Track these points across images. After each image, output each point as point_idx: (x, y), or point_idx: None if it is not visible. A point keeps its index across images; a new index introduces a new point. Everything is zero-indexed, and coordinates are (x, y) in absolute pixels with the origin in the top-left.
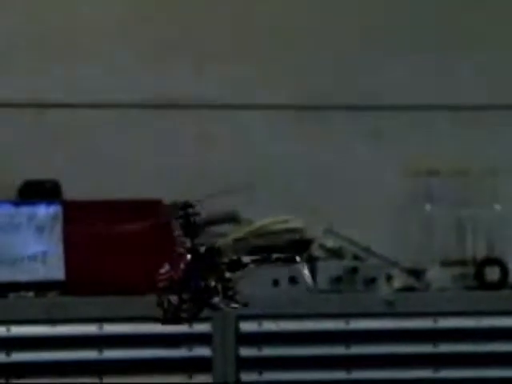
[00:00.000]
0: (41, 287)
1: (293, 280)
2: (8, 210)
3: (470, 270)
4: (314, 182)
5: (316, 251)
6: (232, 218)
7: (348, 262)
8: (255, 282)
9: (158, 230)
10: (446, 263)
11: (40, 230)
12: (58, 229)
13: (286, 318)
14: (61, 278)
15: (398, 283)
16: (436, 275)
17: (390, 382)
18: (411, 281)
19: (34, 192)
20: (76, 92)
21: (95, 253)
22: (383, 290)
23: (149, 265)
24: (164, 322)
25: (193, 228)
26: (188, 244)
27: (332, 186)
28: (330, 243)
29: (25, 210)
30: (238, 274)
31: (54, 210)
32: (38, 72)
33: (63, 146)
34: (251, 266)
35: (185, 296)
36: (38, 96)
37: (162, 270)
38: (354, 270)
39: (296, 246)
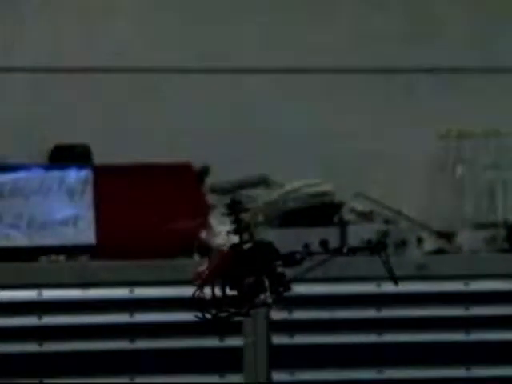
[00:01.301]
0: (71, 251)
1: (323, 243)
2: (39, 174)
3: (501, 232)
4: (344, 146)
5: (347, 215)
6: (263, 182)
7: (379, 226)
8: (285, 245)
9: (189, 193)
10: (477, 226)
11: (71, 194)
12: (89, 193)
13: (317, 281)
14: (91, 242)
15: (428, 246)
16: (467, 238)
17: (421, 344)
18: (442, 243)
19: (65, 156)
20: (104, 56)
21: (125, 217)
22: (414, 253)
23: (179, 228)
24: (205, 320)
25: (241, 224)
26: (233, 240)
27: (362, 150)
28: (361, 207)
29: (55, 174)
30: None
31: (85, 174)
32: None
33: (93, 111)
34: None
35: (230, 293)
36: (66, 60)
37: (201, 268)
38: (385, 234)
39: (326, 210)
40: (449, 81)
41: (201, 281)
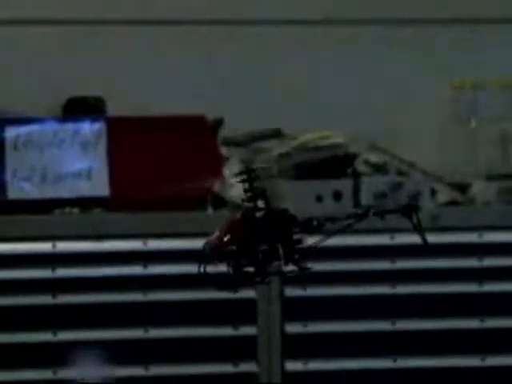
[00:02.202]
0: (86, 204)
1: (337, 195)
2: (52, 126)
3: None
4: (358, 96)
5: (360, 167)
6: (276, 134)
7: (392, 178)
8: (298, 197)
9: (202, 146)
10: (490, 177)
11: (84, 146)
12: (103, 145)
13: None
14: (105, 195)
15: (442, 198)
16: (481, 189)
17: (435, 296)
18: (456, 195)
19: (78, 109)
20: (115, 8)
21: (139, 169)
22: (427, 204)
23: (193, 181)
24: (218, 287)
25: (255, 192)
26: (246, 208)
27: (375, 101)
28: (374, 158)
29: (69, 126)
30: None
31: (98, 126)
32: None
33: (107, 62)
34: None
35: (243, 261)
36: (78, 12)
37: (212, 237)
38: (399, 185)
39: (340, 162)
40: (464, 31)
41: (210, 250)
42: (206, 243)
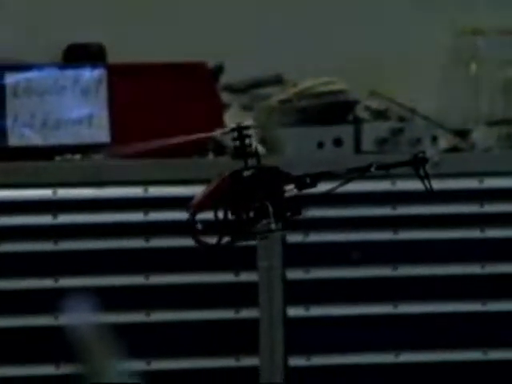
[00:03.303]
0: (86, 150)
1: (338, 142)
2: (53, 73)
3: None
4: (359, 42)
5: (361, 113)
6: (277, 80)
7: (393, 124)
8: (299, 144)
9: (203, 92)
10: (491, 123)
11: (85, 93)
12: (103, 92)
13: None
14: (106, 141)
15: (443, 144)
16: (482, 135)
17: (436, 241)
18: (457, 141)
19: (79, 55)
20: None
21: (140, 115)
22: (428, 150)
23: (193, 127)
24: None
25: (246, 150)
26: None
27: (376, 48)
28: (375, 104)
29: (69, 73)
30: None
31: (99, 72)
32: None
33: (107, 9)
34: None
35: (231, 217)
36: None
37: (197, 195)
38: (400, 131)
39: (341, 108)
40: None
41: (193, 208)
42: (191, 203)
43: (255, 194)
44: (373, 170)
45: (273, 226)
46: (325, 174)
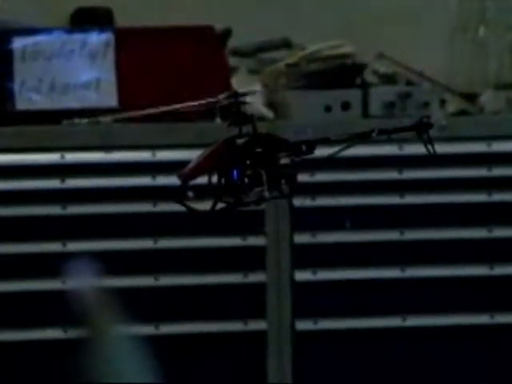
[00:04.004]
0: (94, 114)
1: (345, 105)
2: (60, 37)
3: None
4: (366, 5)
5: (369, 77)
6: (284, 44)
7: (401, 87)
8: (306, 108)
9: (211, 56)
10: (499, 86)
11: (92, 56)
12: (111, 56)
13: (338, 142)
14: (114, 105)
15: (451, 107)
16: (490, 99)
17: (443, 205)
18: (464, 105)
19: (86, 19)
20: None
21: (147, 79)
22: (436, 114)
23: (201, 92)
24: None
25: (241, 116)
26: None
27: (383, 11)
28: (383, 68)
29: (77, 37)
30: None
31: (107, 36)
32: None
33: None
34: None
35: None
36: None
37: (190, 164)
38: (407, 95)
39: (349, 72)
40: None
41: (184, 175)
42: (182, 170)
43: (249, 162)
44: (374, 135)
45: (266, 193)
46: (323, 140)
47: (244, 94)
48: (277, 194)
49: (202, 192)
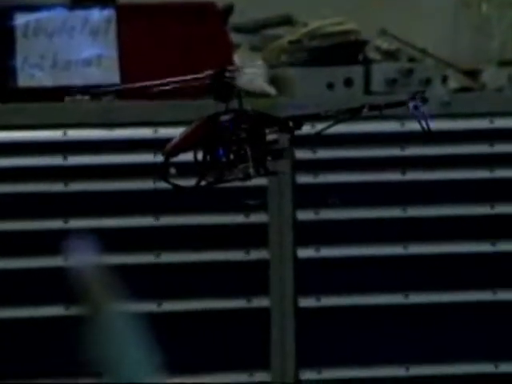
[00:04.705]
0: (96, 91)
1: (348, 82)
2: (61, 14)
3: None
4: None
5: (371, 53)
6: (286, 21)
7: (403, 64)
8: (309, 84)
9: (213, 32)
10: (502, 63)
11: (94, 33)
12: (113, 32)
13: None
14: (115, 82)
15: (453, 84)
16: (492, 75)
17: (446, 182)
18: (467, 81)
19: None
20: None
21: (149, 56)
22: (439, 91)
23: (203, 68)
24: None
25: (227, 92)
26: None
27: None
28: (386, 45)
29: (79, 13)
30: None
31: (108, 13)
32: None
33: None
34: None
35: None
36: None
37: (174, 141)
38: (410, 72)
39: (351, 48)
40: None
41: (167, 152)
42: (166, 147)
43: (235, 138)
44: (365, 111)
45: (251, 170)
46: (311, 116)
47: (233, 70)
48: (262, 171)
49: (186, 169)
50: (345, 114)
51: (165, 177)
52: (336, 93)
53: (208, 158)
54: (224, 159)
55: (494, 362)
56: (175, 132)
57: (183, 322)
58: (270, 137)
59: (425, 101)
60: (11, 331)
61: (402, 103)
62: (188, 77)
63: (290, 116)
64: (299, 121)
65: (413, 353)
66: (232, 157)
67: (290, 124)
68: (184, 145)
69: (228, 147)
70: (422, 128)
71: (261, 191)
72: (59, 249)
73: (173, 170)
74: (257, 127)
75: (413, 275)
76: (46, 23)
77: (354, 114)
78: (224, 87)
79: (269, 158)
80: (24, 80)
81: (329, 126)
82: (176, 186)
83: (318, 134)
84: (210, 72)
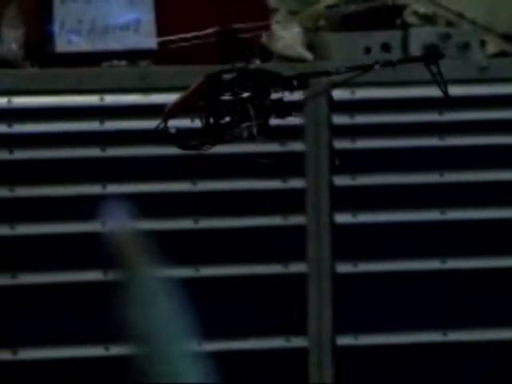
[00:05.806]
0: (133, 56)
1: (385, 47)
2: None
3: None
4: None
5: (409, 18)
6: None
7: (441, 28)
8: (346, 49)
9: None
10: None
11: None
12: None
13: (379, 85)
14: (153, 47)
15: (492, 48)
16: None
17: (483, 147)
18: (505, 46)
19: None
20: None
21: (186, 21)
22: (477, 55)
23: (240, 32)
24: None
25: (238, 50)
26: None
27: None
28: (423, 9)
29: None
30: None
31: None
32: None
33: None
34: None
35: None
36: None
37: (174, 101)
38: (447, 36)
39: (389, 12)
40: None
41: (167, 112)
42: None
43: (237, 97)
44: (377, 67)
45: (254, 129)
46: (319, 73)
47: (240, 31)
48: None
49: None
50: (356, 69)
51: (164, 136)
52: (373, 58)
53: (209, 117)
54: (225, 118)
55: None
56: None
57: (220, 288)
58: (274, 95)
59: (440, 56)
60: (49, 296)
61: (417, 59)
62: (190, 34)
63: (295, 74)
64: (305, 79)
65: (450, 318)
66: (237, 116)
67: (294, 83)
68: (183, 104)
69: (230, 106)
70: (438, 84)
71: (298, 157)
72: (97, 214)
73: (173, 130)
74: (261, 85)
75: (450, 241)
76: None
77: (365, 70)
78: (230, 45)
79: (274, 116)
80: (61, 45)
81: (345, 82)
82: (179, 144)
83: (332, 87)
84: (216, 28)
